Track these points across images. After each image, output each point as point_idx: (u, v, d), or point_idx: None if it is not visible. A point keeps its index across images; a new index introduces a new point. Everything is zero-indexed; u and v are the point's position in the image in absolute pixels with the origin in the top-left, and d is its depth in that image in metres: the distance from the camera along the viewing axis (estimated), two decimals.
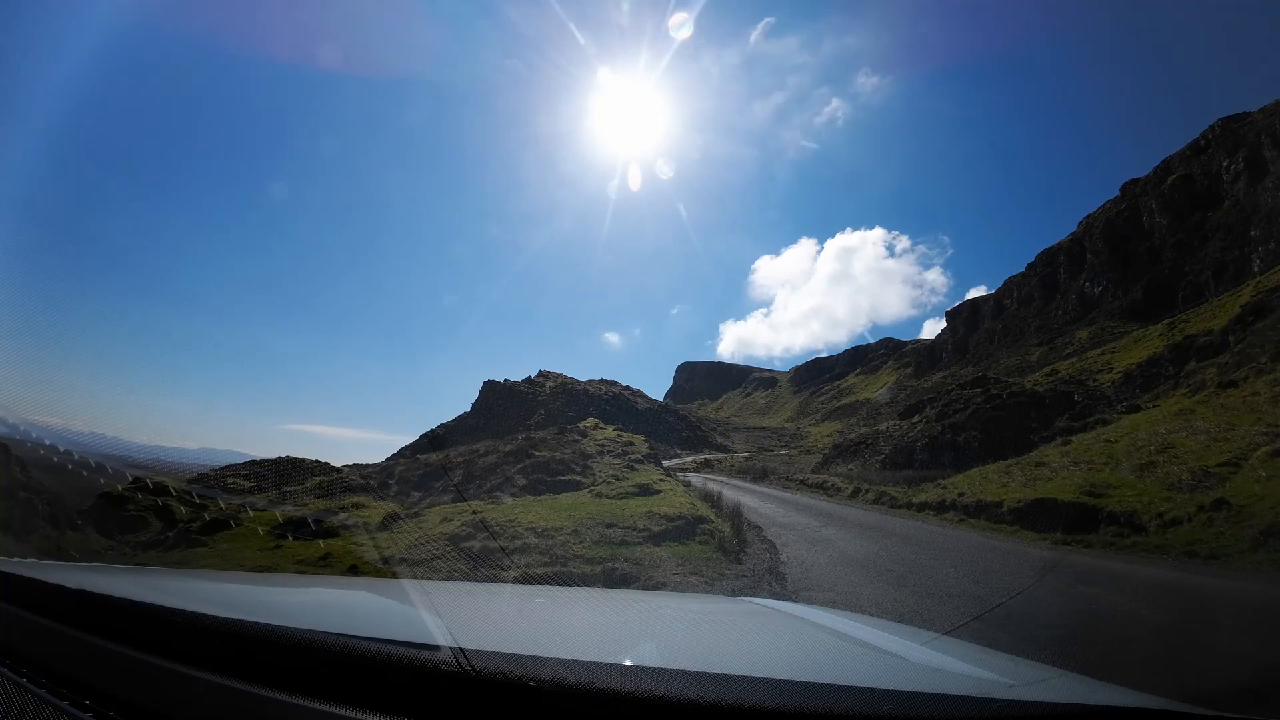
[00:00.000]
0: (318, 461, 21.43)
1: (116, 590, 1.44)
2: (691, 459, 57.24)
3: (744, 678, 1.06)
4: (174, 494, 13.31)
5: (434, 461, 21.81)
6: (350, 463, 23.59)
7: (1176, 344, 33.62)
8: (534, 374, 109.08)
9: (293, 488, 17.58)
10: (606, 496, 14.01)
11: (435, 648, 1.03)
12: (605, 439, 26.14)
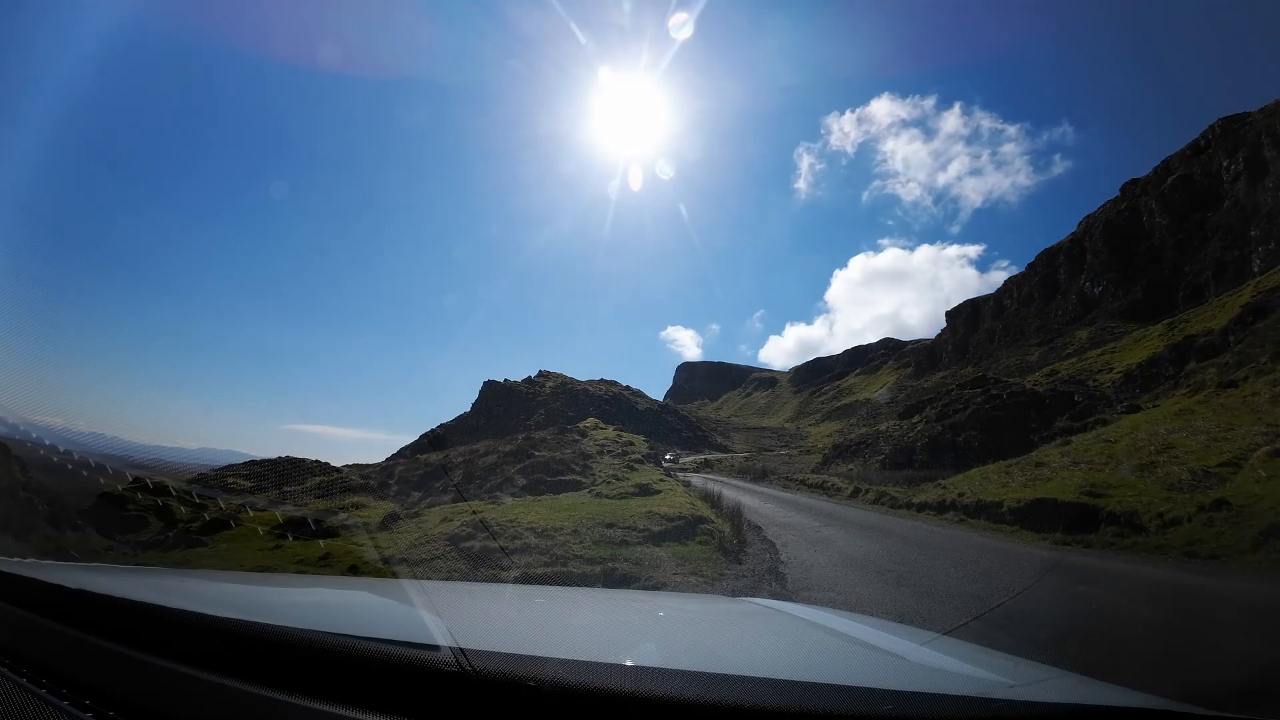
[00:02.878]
0: (318, 461, 21.46)
1: (116, 590, 1.44)
2: (691, 459, 57.19)
3: (743, 678, 1.06)
4: (174, 494, 13.31)
5: (434, 461, 21.79)
6: (350, 463, 23.61)
7: (1176, 344, 33.52)
8: (534, 374, 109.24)
9: (293, 488, 17.57)
10: (606, 496, 14.02)
11: (435, 648, 1.03)
12: (605, 439, 26.15)
